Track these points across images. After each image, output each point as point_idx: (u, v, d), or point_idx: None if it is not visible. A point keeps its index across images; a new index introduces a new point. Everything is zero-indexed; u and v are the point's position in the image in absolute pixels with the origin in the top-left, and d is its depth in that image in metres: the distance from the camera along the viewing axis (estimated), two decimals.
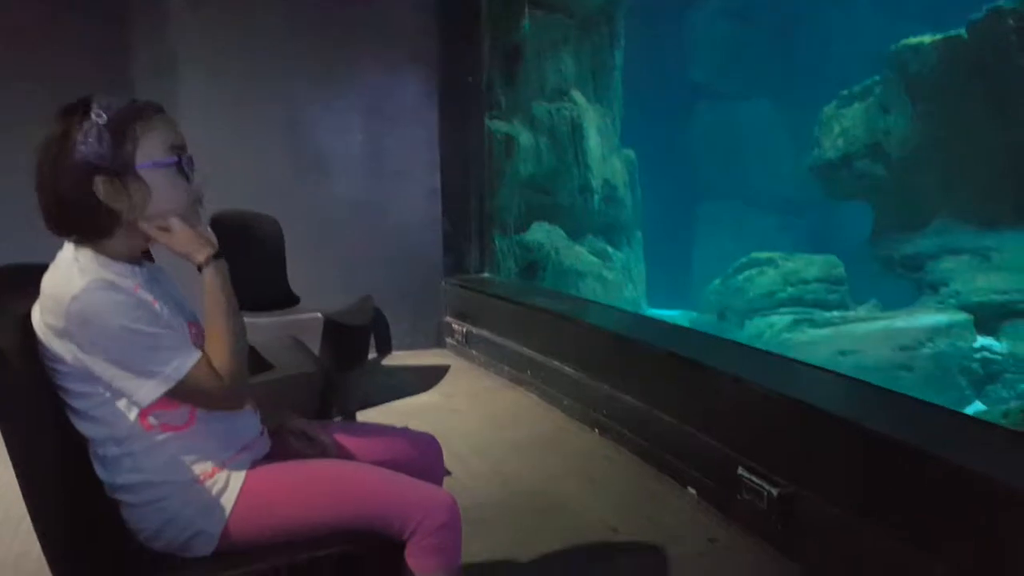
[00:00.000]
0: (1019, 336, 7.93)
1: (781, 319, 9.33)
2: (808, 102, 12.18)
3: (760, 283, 10.27)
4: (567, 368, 3.80)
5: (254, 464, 1.46)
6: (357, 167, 5.19)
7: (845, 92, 11.01)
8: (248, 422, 1.51)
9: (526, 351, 4.24)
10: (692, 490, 2.74)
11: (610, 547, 2.35)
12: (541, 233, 8.45)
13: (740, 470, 2.45)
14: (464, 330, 5.03)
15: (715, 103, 17.75)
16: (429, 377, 4.46)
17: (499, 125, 7.73)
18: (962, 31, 9.31)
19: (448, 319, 5.30)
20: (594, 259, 9.07)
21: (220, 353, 1.35)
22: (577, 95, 9.46)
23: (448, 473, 2.97)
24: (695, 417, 2.80)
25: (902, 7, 15.61)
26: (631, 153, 11.22)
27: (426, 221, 5.39)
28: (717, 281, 10.96)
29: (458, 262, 5.66)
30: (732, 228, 16.62)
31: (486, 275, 5.77)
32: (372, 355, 4.05)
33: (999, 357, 7.79)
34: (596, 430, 3.43)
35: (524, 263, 8.16)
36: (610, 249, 9.63)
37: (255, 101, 4.87)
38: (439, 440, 1.72)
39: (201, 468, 1.39)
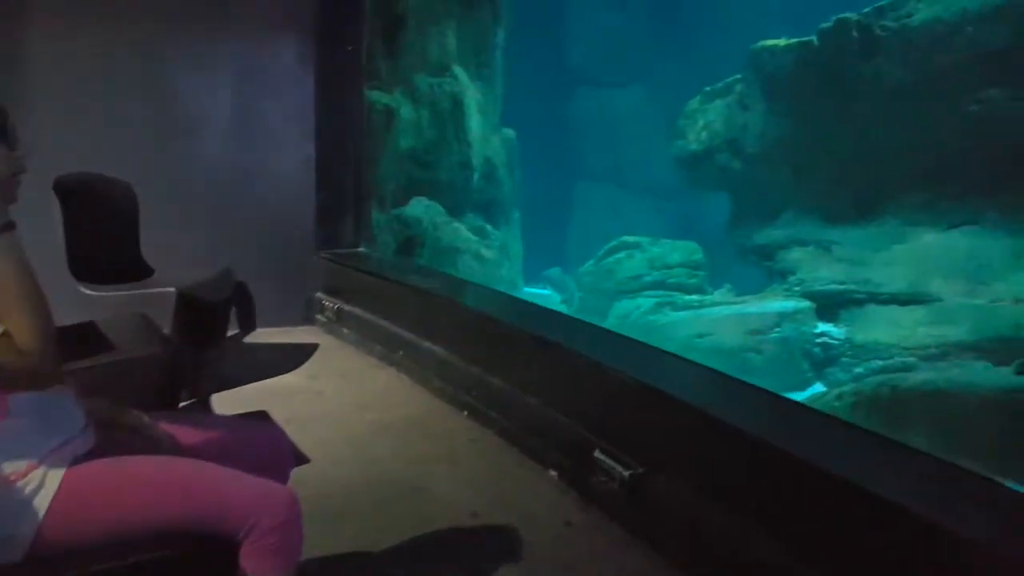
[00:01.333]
0: (855, 323, 8.58)
1: (646, 301, 9.67)
2: (680, 93, 12.61)
3: (628, 266, 10.61)
4: (438, 348, 3.73)
5: (75, 461, 1.31)
6: (225, 132, 4.85)
7: (708, 88, 11.45)
8: (69, 415, 1.36)
9: (398, 330, 4.14)
10: (553, 472, 2.76)
11: (468, 533, 2.32)
12: (420, 208, 8.30)
13: (597, 452, 2.48)
14: (335, 307, 4.84)
15: (593, 89, 18.04)
16: (295, 356, 4.25)
17: (379, 96, 7.48)
18: (813, 37, 9.86)
19: (319, 295, 5.08)
20: (472, 237, 9.03)
21: (20, 328, 1.19)
22: (459, 71, 9.32)
23: (307, 460, 2.86)
24: (557, 400, 2.82)
25: (769, 8, 16.44)
26: (511, 133, 11.23)
27: (299, 192, 5.13)
28: (590, 263, 11.23)
29: (332, 236, 5.42)
30: (606, 210, 17.03)
31: (361, 250, 5.58)
32: (233, 332, 3.82)
33: (837, 342, 8.41)
34: (465, 412, 3.39)
35: (402, 238, 7.99)
36: (488, 227, 9.61)
37: (113, 56, 4.43)
38: (301, 424, 1.61)
39: (13, 467, 1.24)
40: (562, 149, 17.45)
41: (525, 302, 4.35)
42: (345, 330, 4.72)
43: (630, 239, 10.91)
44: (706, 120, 11.30)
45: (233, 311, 3.74)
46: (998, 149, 8.55)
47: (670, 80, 16.24)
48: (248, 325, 3.99)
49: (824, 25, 9.73)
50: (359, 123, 5.87)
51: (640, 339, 9.03)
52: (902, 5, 9.10)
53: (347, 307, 4.75)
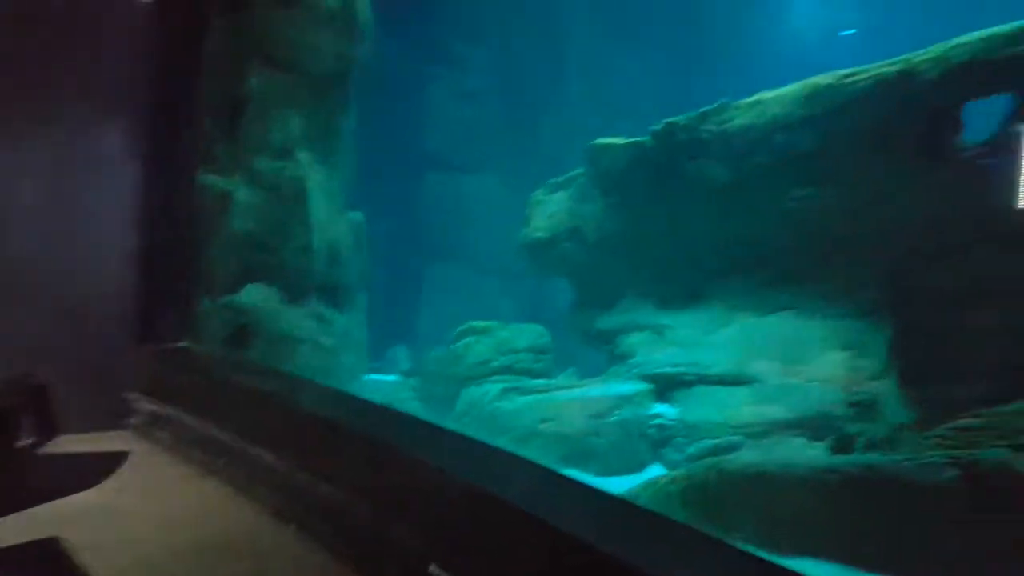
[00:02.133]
0: (687, 403, 9.07)
1: (493, 387, 9.75)
2: (527, 182, 13.21)
3: (476, 351, 10.72)
4: (265, 454, 3.54)
5: None
6: (35, 219, 4.50)
7: (552, 180, 12.07)
8: None
9: (220, 435, 3.89)
10: None
11: None
12: (255, 295, 8.00)
13: (432, 568, 2.42)
14: (151, 409, 4.51)
15: (445, 173, 18.52)
16: (100, 467, 3.87)
17: (215, 180, 7.26)
18: (647, 138, 10.70)
19: (133, 396, 4.72)
20: (311, 324, 8.79)
21: None
22: (304, 154, 9.23)
23: None
24: (391, 509, 2.73)
25: (611, 111, 17.75)
26: (359, 215, 11.20)
27: (120, 284, 4.81)
28: (439, 348, 11.27)
29: (153, 330, 5.09)
30: (457, 292, 17.25)
31: (185, 344, 5.27)
32: (28, 442, 3.44)
33: (671, 423, 8.83)
34: (292, 526, 3.20)
35: (234, 328, 7.63)
36: (330, 313, 9.41)
37: None
38: (96, 551, 1.44)
39: None
40: (413, 231, 17.65)
41: (360, 400, 4.23)
42: (161, 435, 4.38)
43: (479, 324, 11.07)
44: (549, 210, 11.84)
45: (29, 419, 3.38)
46: (807, 241, 9.53)
47: (519, 169, 17.03)
48: (46, 433, 3.63)
49: (655, 127, 10.56)
50: (191, 209, 5.66)
51: (487, 427, 9.03)
52: (722, 111, 10.08)
53: (164, 409, 4.43)
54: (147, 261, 4.94)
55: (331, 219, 9.67)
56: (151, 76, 4.91)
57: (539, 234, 11.87)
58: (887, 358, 8.51)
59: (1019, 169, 7.86)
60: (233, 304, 7.61)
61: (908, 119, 8.39)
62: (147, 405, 4.51)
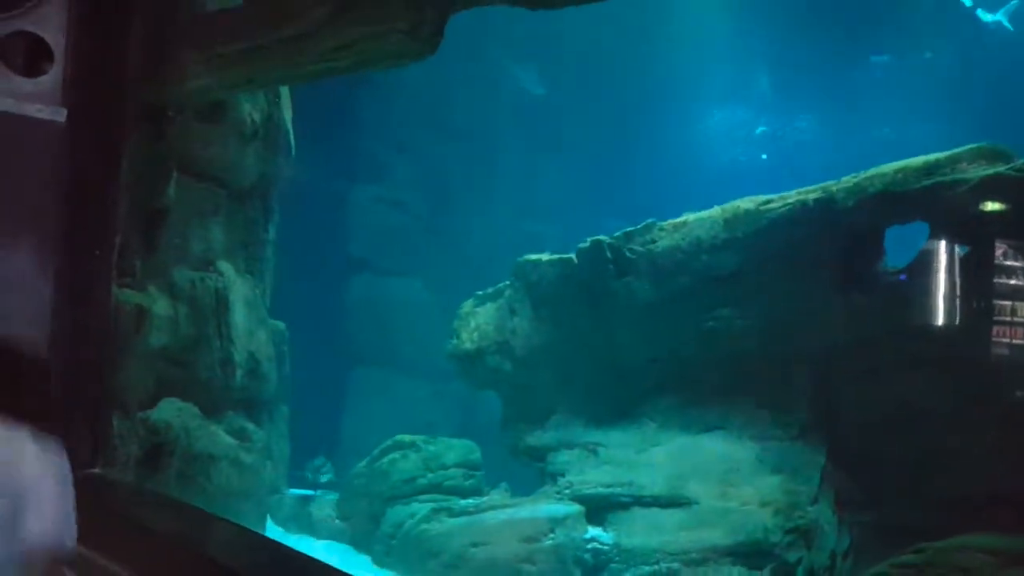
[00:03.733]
0: (622, 526, 8.96)
1: (421, 508, 9.44)
2: (457, 286, 13.33)
3: (403, 467, 10.41)
4: None
5: None
6: None
7: (480, 292, 12.21)
8: None
9: None
10: None
11: None
12: (171, 411, 7.62)
13: None
14: None
15: (371, 277, 18.53)
16: None
17: (130, 295, 7.00)
18: (573, 255, 11.03)
19: None
20: (230, 440, 8.39)
21: None
22: (225, 265, 9.09)
23: None
24: None
25: (537, 220, 18.32)
26: (281, 324, 10.98)
27: (30, 407, 4.48)
28: (362, 464, 10.88)
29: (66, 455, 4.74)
30: (385, 397, 16.97)
31: (96, 471, 4.92)
32: None
33: (606, 547, 8.67)
34: None
35: (149, 447, 7.21)
36: (250, 427, 9.03)
37: None
38: None
39: None
40: (339, 336, 17.39)
41: (277, 546, 3.97)
42: None
43: (405, 438, 10.79)
44: (477, 322, 11.90)
45: None
46: (732, 361, 9.83)
47: (446, 273, 17.21)
48: None
49: (582, 245, 10.91)
50: (104, 326, 5.40)
51: (415, 550, 8.67)
52: (648, 232, 10.52)
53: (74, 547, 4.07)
54: (59, 383, 4.65)
55: (252, 330, 9.44)
56: (63, 193, 4.76)
57: (467, 346, 11.86)
58: (821, 482, 8.69)
59: (937, 292, 8.43)
60: (147, 422, 7.23)
61: (828, 244, 8.95)
62: None
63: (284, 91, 10.36)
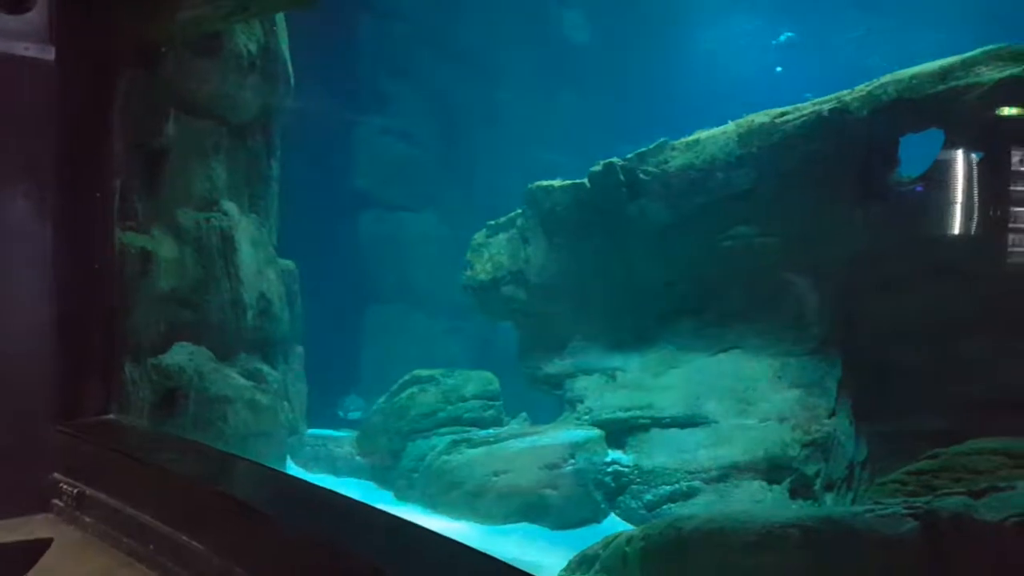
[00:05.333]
0: (641, 449, 9.16)
1: (441, 440, 9.67)
2: (470, 221, 13.32)
3: (422, 401, 10.61)
4: (197, 544, 3.42)
5: None
6: None
7: (492, 222, 12.18)
8: None
9: (151, 521, 3.75)
10: None
11: None
12: (183, 356, 7.80)
13: None
14: (76, 491, 4.31)
15: (381, 212, 18.51)
16: (18, 560, 3.69)
17: (134, 238, 7.09)
18: (585, 180, 10.93)
19: (56, 476, 4.51)
20: (245, 382, 8.60)
21: None
22: (229, 205, 9.13)
23: None
24: None
25: (550, 147, 18.09)
26: (291, 264, 11.08)
27: (33, 358, 4.62)
28: (381, 400, 11.10)
29: (75, 402, 4.89)
30: (401, 335, 17.17)
31: (111, 417, 5.08)
32: None
33: (627, 469, 8.89)
34: None
35: (163, 391, 7.41)
36: (265, 368, 9.23)
37: None
38: None
39: None
40: (351, 276, 17.49)
41: (300, 481, 4.12)
42: (88, 519, 4.19)
43: (423, 372, 10.96)
44: (490, 253, 11.93)
45: None
46: (749, 280, 9.82)
47: (460, 206, 17.17)
48: None
49: (594, 168, 10.80)
50: (110, 270, 5.49)
51: (437, 483, 8.90)
52: (660, 152, 10.38)
53: (90, 491, 4.25)
54: (65, 331, 4.75)
55: (260, 270, 9.55)
56: (56, 135, 4.77)
57: (481, 277, 11.93)
58: (838, 394, 8.78)
59: (953, 201, 8.33)
60: (160, 367, 7.41)
61: (843, 156, 8.83)
62: (70, 486, 4.32)
63: (280, 19, 10.19)
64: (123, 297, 6.40)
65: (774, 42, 21.81)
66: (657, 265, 10.59)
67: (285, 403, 9.65)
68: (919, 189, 8.55)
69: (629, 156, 10.71)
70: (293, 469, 10.24)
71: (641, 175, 10.51)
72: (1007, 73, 7.76)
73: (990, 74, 7.84)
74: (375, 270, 17.97)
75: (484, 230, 12.31)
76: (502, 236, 12.05)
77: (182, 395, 7.54)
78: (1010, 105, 7.78)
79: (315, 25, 12.46)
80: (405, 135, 19.30)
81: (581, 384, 10.50)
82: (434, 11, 18.44)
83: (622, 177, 10.63)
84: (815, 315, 9.26)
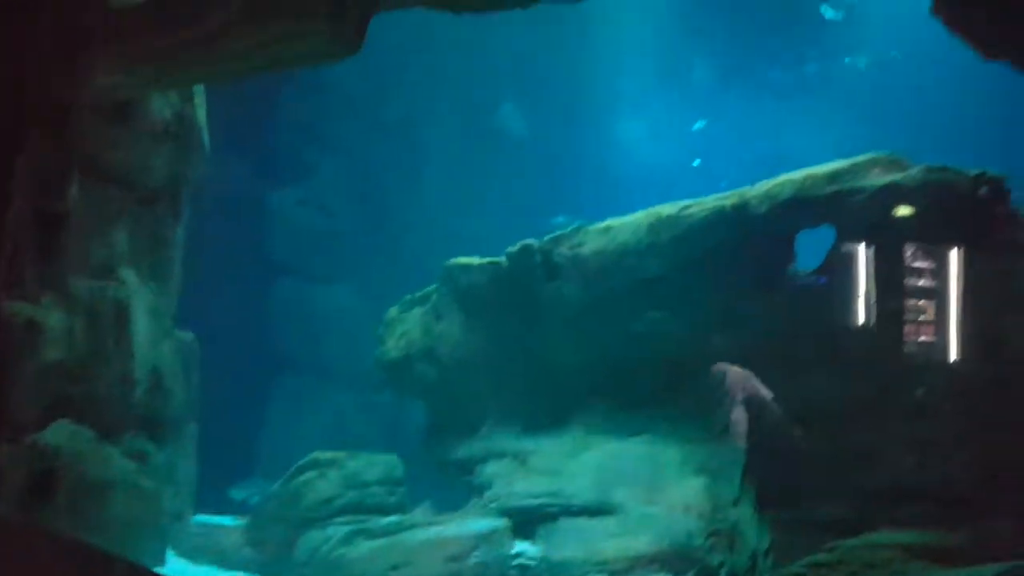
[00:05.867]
0: (550, 539, 9.04)
1: (338, 530, 9.26)
2: (385, 295, 13.25)
3: (320, 488, 10.17)
4: None
5: None
6: None
7: (408, 297, 12.16)
8: None
9: None
10: None
11: None
12: (63, 434, 7.33)
13: None
14: None
15: (296, 283, 18.25)
16: None
17: (20, 307, 6.75)
18: (503, 259, 11.10)
19: None
20: (128, 464, 8.15)
21: None
22: (128, 273, 8.83)
23: None
24: None
25: (467, 224, 18.33)
26: (190, 335, 10.71)
27: None
28: (277, 485, 10.62)
29: None
30: (309, 410, 16.70)
31: None
32: None
33: (533, 563, 8.74)
34: None
35: (38, 474, 6.92)
36: (151, 449, 8.76)
37: None
38: None
39: None
40: (259, 346, 16.99)
41: None
42: None
43: (324, 455, 10.56)
44: (404, 328, 11.87)
45: None
46: (658, 364, 10.06)
47: (379, 280, 17.04)
48: None
49: (511, 249, 11.05)
50: None
51: None
52: (576, 236, 10.71)
53: None
54: None
55: (155, 342, 9.19)
56: None
57: (393, 354, 11.80)
58: (743, 482, 8.93)
59: (845, 292, 8.87)
60: (36, 446, 6.95)
61: (745, 248, 9.37)
62: None
63: (199, 87, 10.14)
64: (3, 370, 6.08)
65: (692, 128, 22.93)
66: (571, 346, 10.74)
67: (170, 487, 9.16)
68: (815, 281, 9.11)
69: (546, 238, 10.98)
70: (174, 561, 9.54)
71: (557, 257, 10.78)
72: (889, 179, 8.54)
73: (874, 179, 8.60)
74: (285, 342, 17.56)
75: (398, 305, 12.26)
76: (417, 311, 12.03)
77: (59, 478, 7.07)
78: (891, 206, 8.50)
79: (236, 93, 12.48)
80: (325, 206, 19.25)
81: (491, 469, 10.40)
82: (361, 85, 18.70)
83: (538, 259, 10.88)
84: (720, 401, 9.50)
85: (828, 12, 19.88)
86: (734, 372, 9.02)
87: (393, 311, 12.29)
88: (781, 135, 19.97)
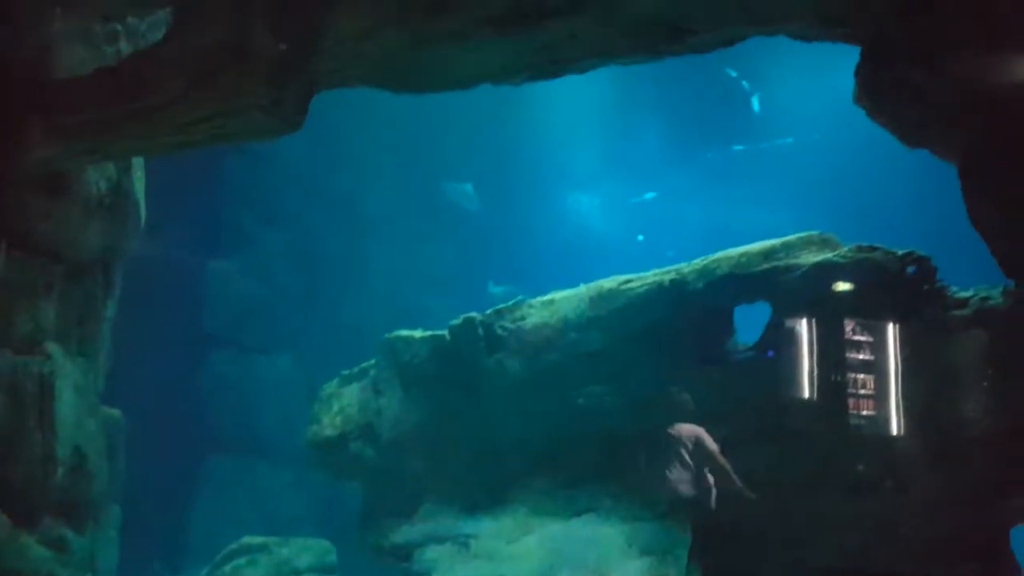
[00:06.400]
0: None
1: None
2: (330, 365, 13.03)
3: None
4: None
5: None
6: None
7: (346, 371, 11.98)
8: None
9: None
10: None
11: None
12: None
13: None
14: None
15: (232, 355, 17.88)
16: None
17: None
18: (445, 332, 11.09)
19: None
20: (44, 553, 7.72)
21: None
22: (54, 347, 8.55)
23: None
24: None
25: (410, 297, 18.34)
26: (116, 412, 10.36)
27: None
28: (203, 572, 10.15)
29: None
30: (241, 489, 16.15)
31: None
32: None
33: None
34: None
35: None
36: (70, 535, 8.32)
37: None
38: None
39: None
40: (191, 422, 16.48)
41: None
42: None
43: (254, 540, 10.19)
44: (341, 404, 11.63)
45: None
46: (601, 440, 10.06)
47: (319, 352, 16.81)
48: None
49: (454, 322, 11.03)
50: None
51: None
52: (518, 309, 10.77)
53: None
54: None
55: (80, 420, 8.85)
56: None
57: (328, 432, 11.51)
58: (689, 561, 8.90)
59: (781, 367, 9.10)
60: None
61: (684, 323, 9.56)
62: None
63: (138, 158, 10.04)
64: None
65: (634, 202, 23.55)
66: (513, 421, 10.66)
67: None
68: (753, 355, 9.35)
69: (488, 311, 11.03)
70: None
71: (499, 330, 10.80)
72: (821, 258, 8.92)
73: (807, 257, 8.98)
74: (218, 416, 17.09)
75: (337, 379, 12.05)
76: (355, 386, 11.82)
77: None
78: (826, 284, 8.85)
79: (177, 163, 12.41)
80: (266, 277, 19.07)
81: (430, 555, 10.11)
82: (306, 156, 18.80)
83: (481, 331, 10.89)
84: (663, 478, 9.51)
85: (756, 104, 21.03)
86: (684, 427, 9.17)
87: (330, 386, 12.07)
88: (721, 211, 20.71)
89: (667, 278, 9.57)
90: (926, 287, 8.65)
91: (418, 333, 11.48)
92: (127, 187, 9.82)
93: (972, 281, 8.62)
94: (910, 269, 8.70)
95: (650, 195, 23.37)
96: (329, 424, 11.50)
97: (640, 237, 22.89)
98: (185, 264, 16.60)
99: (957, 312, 8.41)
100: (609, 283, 10.04)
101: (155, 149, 8.23)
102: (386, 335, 11.63)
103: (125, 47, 9.01)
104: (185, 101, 6.36)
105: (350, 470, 11.61)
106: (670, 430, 9.18)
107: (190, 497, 16.17)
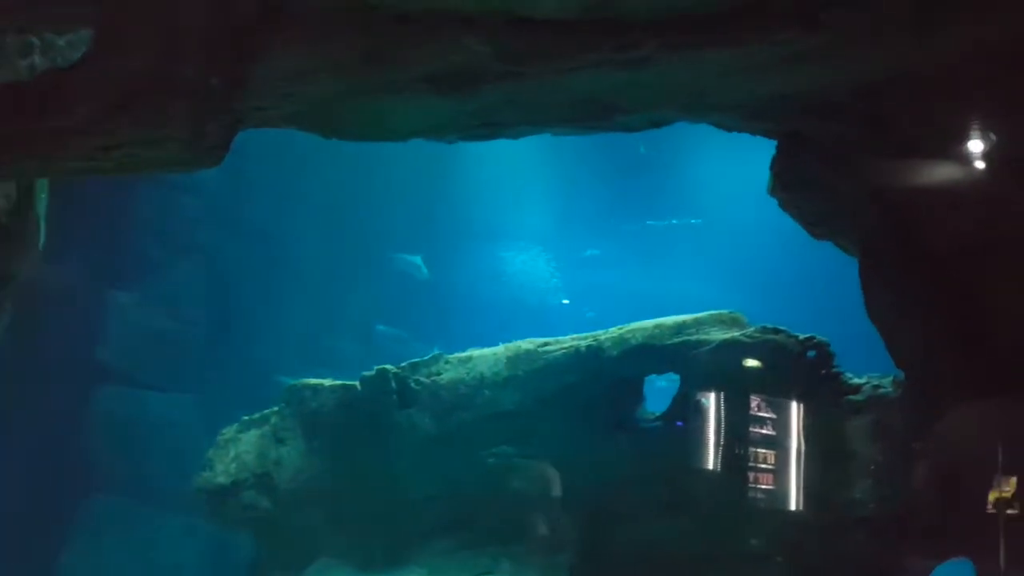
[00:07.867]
0: None
1: None
2: (233, 407, 12.60)
3: None
4: None
5: None
6: None
7: (246, 417, 11.66)
8: None
9: None
10: None
11: None
12: None
13: None
14: None
15: (122, 390, 17.00)
16: None
17: None
18: (357, 382, 10.96)
19: None
20: None
21: None
22: None
23: None
24: None
25: (328, 340, 17.95)
26: None
27: None
28: None
29: None
30: (122, 535, 15.25)
31: None
32: None
33: None
34: None
35: None
36: None
37: None
38: None
39: None
40: (70, 460, 15.54)
41: None
42: None
43: None
44: (238, 450, 11.27)
45: None
46: (506, 501, 10.09)
47: (223, 393, 16.16)
48: None
49: (366, 373, 10.97)
50: None
51: None
52: (434, 363, 10.82)
53: None
54: None
55: None
56: None
57: (221, 480, 11.08)
58: None
59: (686, 438, 9.37)
60: None
61: (597, 389, 9.85)
62: None
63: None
64: None
65: (560, 261, 23.90)
66: (421, 477, 10.60)
67: None
68: (659, 425, 9.67)
69: (403, 364, 10.98)
70: None
71: (413, 384, 10.79)
72: (729, 336, 9.41)
73: (716, 334, 9.47)
74: (103, 455, 16.14)
75: (236, 425, 11.68)
76: (254, 433, 11.48)
77: None
78: (732, 361, 9.27)
79: (87, 187, 11.99)
80: (170, 309, 18.29)
81: None
82: (223, 187, 18.38)
83: (394, 384, 10.83)
84: (565, 542, 9.58)
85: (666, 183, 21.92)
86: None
87: (229, 431, 11.69)
88: (639, 279, 21.27)
89: (584, 344, 9.87)
90: (823, 371, 9.18)
91: (327, 382, 11.32)
92: (27, 209, 9.42)
93: (866, 368, 9.18)
94: (810, 353, 9.22)
95: (577, 256, 23.93)
96: (223, 471, 11.10)
97: (565, 300, 23.33)
98: (82, 291, 15.85)
99: (851, 397, 8.94)
100: (527, 344, 10.28)
101: (61, 172, 7.96)
102: (292, 382, 11.44)
103: (40, 62, 8.74)
104: (98, 126, 6.20)
105: (242, 520, 11.21)
106: None
107: (60, 542, 15.15)
